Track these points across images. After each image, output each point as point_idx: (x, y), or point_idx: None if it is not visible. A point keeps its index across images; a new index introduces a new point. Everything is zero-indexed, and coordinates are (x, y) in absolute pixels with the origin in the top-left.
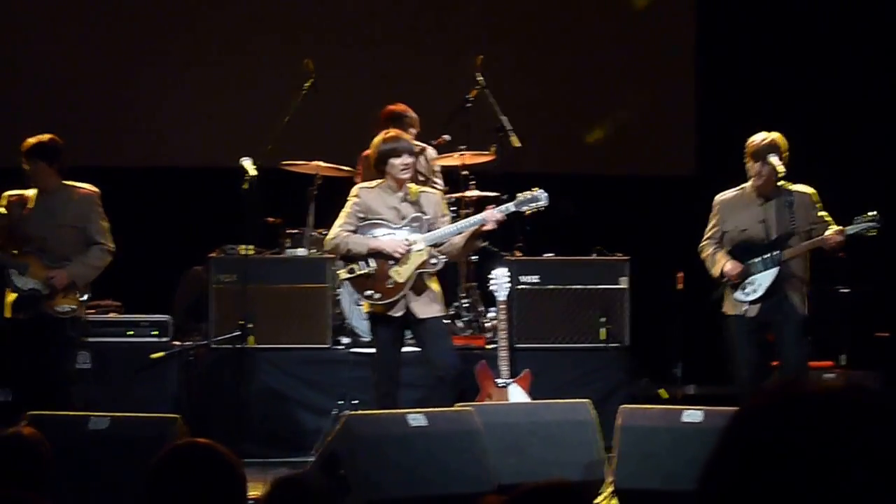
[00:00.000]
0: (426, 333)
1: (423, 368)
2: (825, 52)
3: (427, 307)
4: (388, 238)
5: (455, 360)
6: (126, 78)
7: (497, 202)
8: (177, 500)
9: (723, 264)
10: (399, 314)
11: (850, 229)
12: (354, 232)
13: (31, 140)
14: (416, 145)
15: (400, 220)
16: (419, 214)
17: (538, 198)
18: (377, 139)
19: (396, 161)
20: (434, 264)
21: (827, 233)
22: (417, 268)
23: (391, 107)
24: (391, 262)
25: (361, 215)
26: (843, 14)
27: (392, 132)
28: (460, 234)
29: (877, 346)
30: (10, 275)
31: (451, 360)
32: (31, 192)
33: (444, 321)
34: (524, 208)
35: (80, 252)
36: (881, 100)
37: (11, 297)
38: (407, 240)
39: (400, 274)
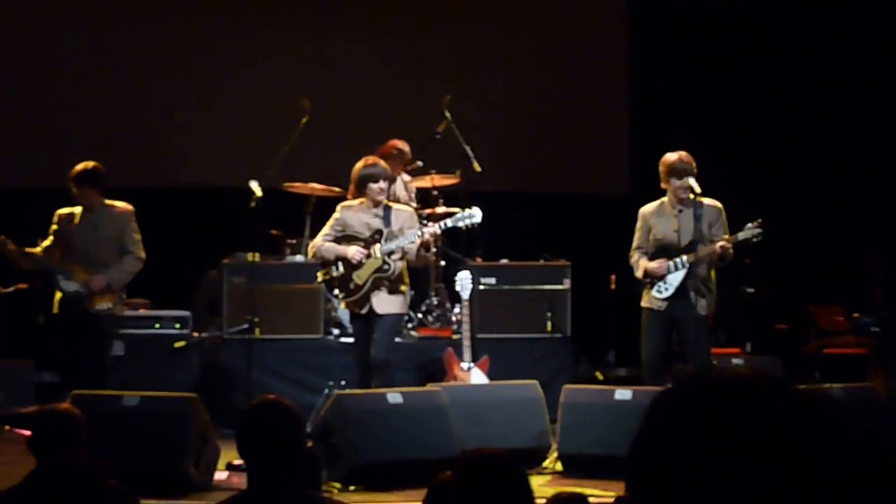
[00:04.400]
0: (376, 326)
1: (399, 353)
2: (754, 72)
3: (385, 305)
4: (352, 247)
5: (379, 351)
6: (156, 114)
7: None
8: (258, 440)
9: (645, 265)
10: (364, 311)
11: (740, 235)
12: (334, 241)
13: (79, 168)
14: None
15: (367, 233)
16: (381, 228)
17: (473, 215)
18: (359, 164)
19: (374, 185)
20: (386, 269)
21: (718, 243)
22: (373, 272)
23: (395, 141)
24: (355, 267)
25: (339, 228)
26: (774, 34)
27: (372, 159)
28: (409, 244)
29: (776, 336)
30: (58, 280)
31: (376, 350)
32: (77, 210)
33: (400, 318)
34: (460, 223)
35: (117, 260)
36: (802, 117)
37: (58, 295)
38: (365, 248)
39: (360, 276)
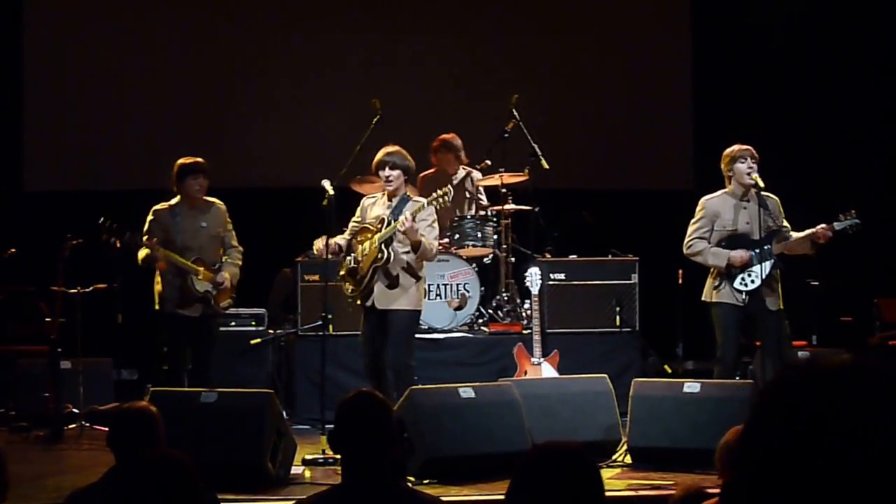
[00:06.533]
0: (387, 327)
1: (470, 349)
2: (819, 66)
3: (384, 299)
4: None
5: (391, 354)
6: (230, 118)
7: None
8: (354, 432)
9: (729, 254)
10: (368, 304)
11: (838, 225)
12: (354, 234)
13: (191, 160)
14: (465, 169)
15: (377, 224)
16: (386, 218)
17: (447, 192)
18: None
19: (381, 173)
20: (380, 258)
21: (817, 228)
22: (372, 262)
23: (443, 135)
24: (361, 259)
25: (358, 220)
26: (835, 33)
27: (390, 148)
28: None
29: (841, 328)
30: (192, 280)
31: (389, 353)
32: (173, 203)
33: (410, 315)
34: (434, 204)
35: (217, 253)
36: (865, 115)
37: (158, 289)
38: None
39: (363, 267)
